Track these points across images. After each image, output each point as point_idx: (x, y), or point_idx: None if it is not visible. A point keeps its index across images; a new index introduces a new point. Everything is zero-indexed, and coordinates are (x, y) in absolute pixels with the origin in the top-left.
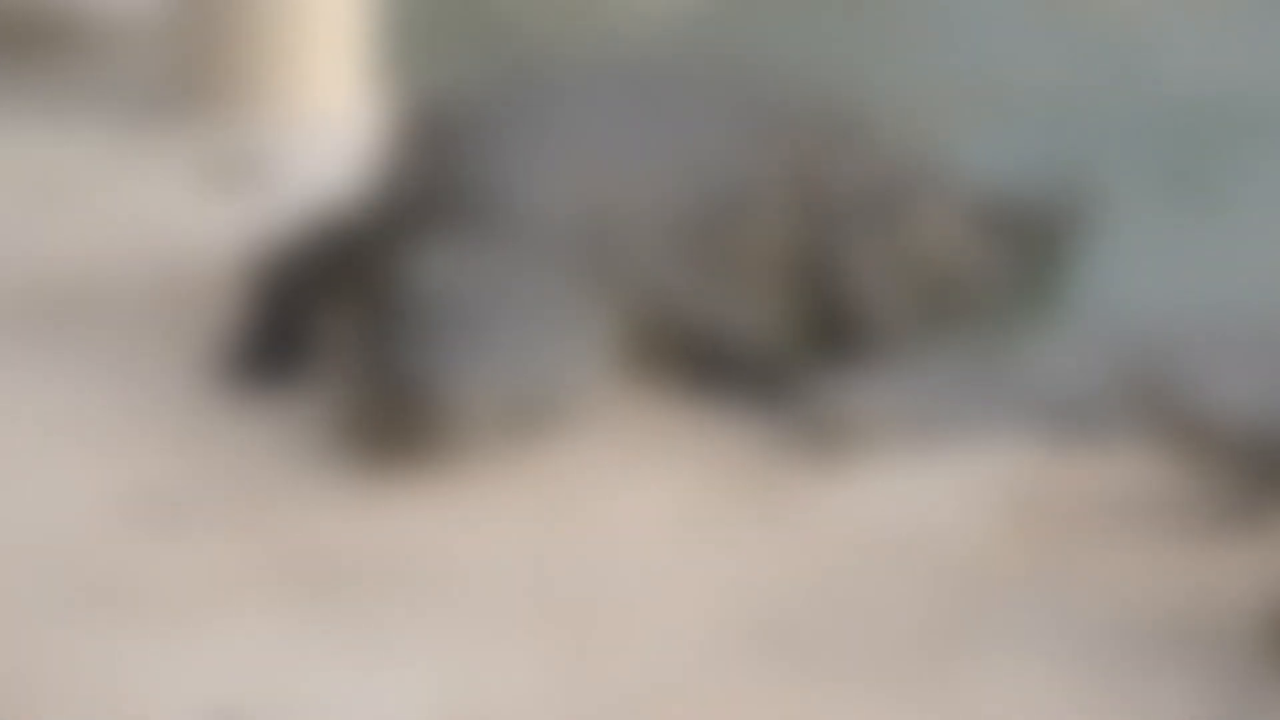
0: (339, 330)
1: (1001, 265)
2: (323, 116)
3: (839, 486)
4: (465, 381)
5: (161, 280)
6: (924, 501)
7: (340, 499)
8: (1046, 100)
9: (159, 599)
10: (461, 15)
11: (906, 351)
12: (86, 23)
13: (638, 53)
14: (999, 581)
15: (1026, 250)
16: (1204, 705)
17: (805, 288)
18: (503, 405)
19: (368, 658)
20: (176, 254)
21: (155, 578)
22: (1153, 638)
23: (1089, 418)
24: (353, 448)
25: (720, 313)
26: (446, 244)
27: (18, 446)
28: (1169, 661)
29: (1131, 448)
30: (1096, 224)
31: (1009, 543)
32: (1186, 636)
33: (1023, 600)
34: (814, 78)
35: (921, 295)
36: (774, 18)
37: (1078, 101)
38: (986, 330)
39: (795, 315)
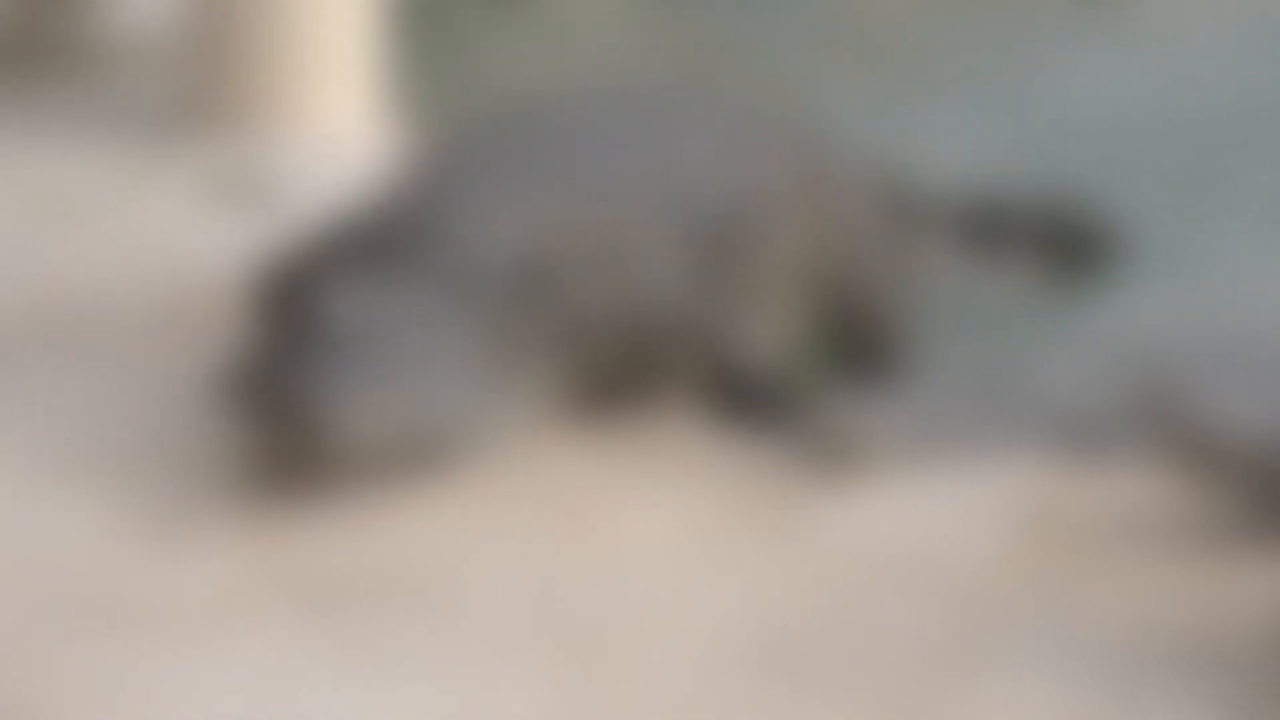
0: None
1: (1004, 278)
2: (329, 137)
3: (846, 504)
4: (351, 408)
5: (167, 299)
6: (931, 519)
7: (344, 517)
8: (1060, 114)
9: (162, 619)
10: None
11: (916, 368)
12: (95, 43)
13: (626, 81)
14: (1006, 600)
15: (1034, 263)
16: None
17: (823, 309)
18: (391, 435)
19: (372, 677)
20: (182, 273)
21: (159, 597)
22: (1161, 657)
23: (1097, 436)
24: (249, 470)
25: (730, 334)
26: (377, 275)
27: (21, 464)
28: (1177, 681)
29: (1139, 466)
30: (1109, 240)
31: (1016, 561)
32: (1195, 655)
33: (1031, 619)
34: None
35: (927, 311)
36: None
37: (1093, 115)
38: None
39: (813, 337)
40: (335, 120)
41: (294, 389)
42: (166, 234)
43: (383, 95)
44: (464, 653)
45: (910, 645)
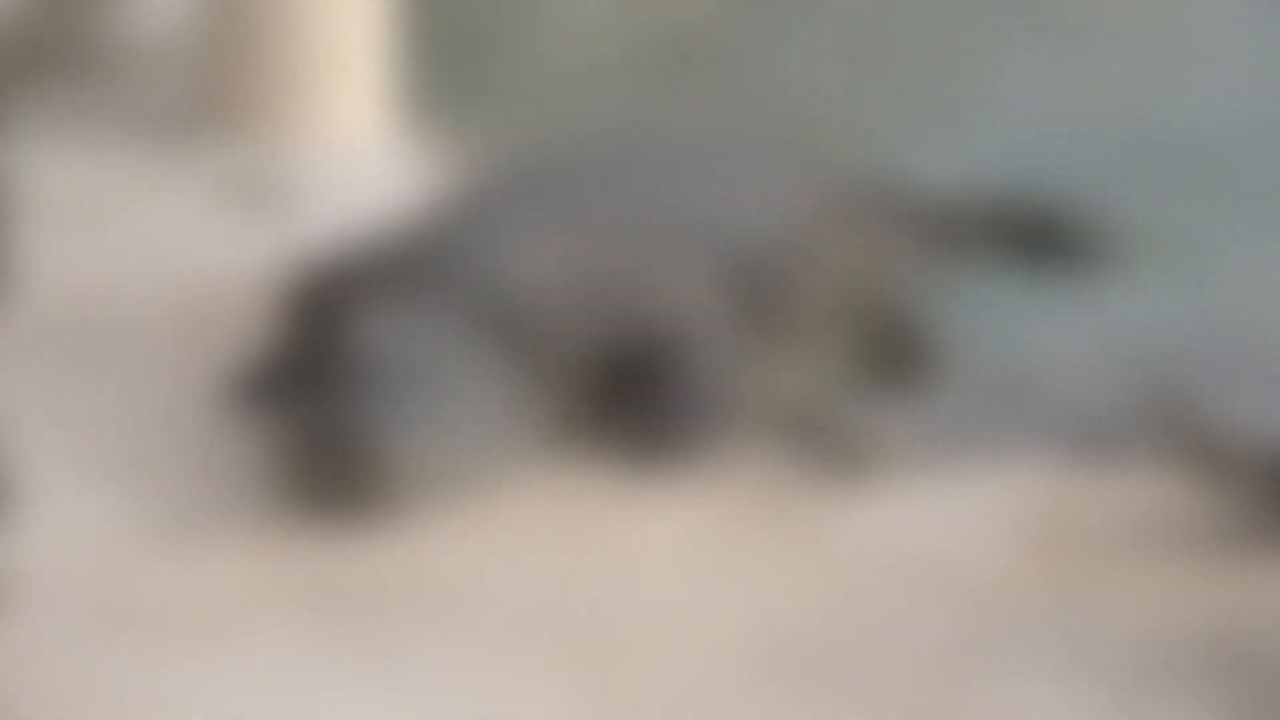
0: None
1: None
2: (344, 141)
3: (857, 509)
4: (401, 443)
5: (182, 303)
6: (942, 523)
7: (357, 524)
8: (1068, 117)
9: (178, 622)
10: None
11: (937, 375)
12: (112, 46)
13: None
14: (1018, 604)
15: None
16: None
17: (854, 326)
18: (434, 466)
19: (386, 682)
20: (196, 277)
21: (173, 601)
22: (1172, 660)
23: (1108, 440)
24: (294, 495)
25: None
26: (410, 306)
27: (39, 467)
28: (1188, 684)
29: (1151, 469)
30: (1113, 242)
31: (1027, 565)
32: (1206, 659)
33: (1042, 623)
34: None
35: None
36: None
37: (1101, 121)
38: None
39: (843, 349)
40: (349, 124)
41: (343, 422)
42: (181, 237)
43: (397, 99)
44: (477, 658)
45: (921, 649)
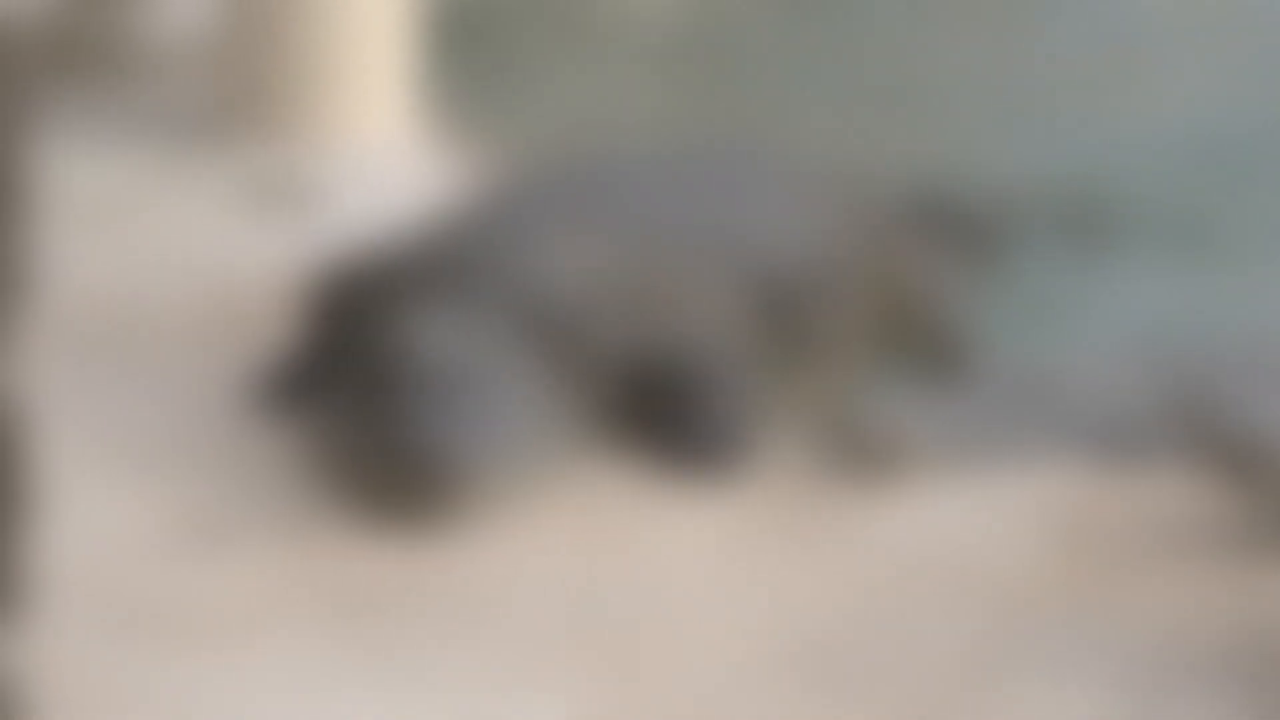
0: (348, 374)
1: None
2: (368, 142)
3: (882, 510)
4: (462, 447)
5: (206, 303)
6: (967, 525)
7: (380, 525)
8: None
9: (201, 622)
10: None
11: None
12: (136, 48)
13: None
14: (1043, 605)
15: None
16: None
17: (890, 330)
18: (494, 469)
19: (408, 685)
20: (221, 277)
21: (197, 601)
22: (1197, 663)
23: (1134, 441)
24: (360, 503)
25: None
26: (452, 309)
27: (64, 468)
28: (1213, 686)
29: (1177, 472)
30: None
31: (1053, 567)
32: (1231, 661)
33: (1067, 624)
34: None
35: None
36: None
37: (1119, 122)
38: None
39: (878, 356)
40: (373, 125)
41: (404, 429)
42: (206, 237)
43: (421, 100)
44: (502, 661)
45: (947, 651)
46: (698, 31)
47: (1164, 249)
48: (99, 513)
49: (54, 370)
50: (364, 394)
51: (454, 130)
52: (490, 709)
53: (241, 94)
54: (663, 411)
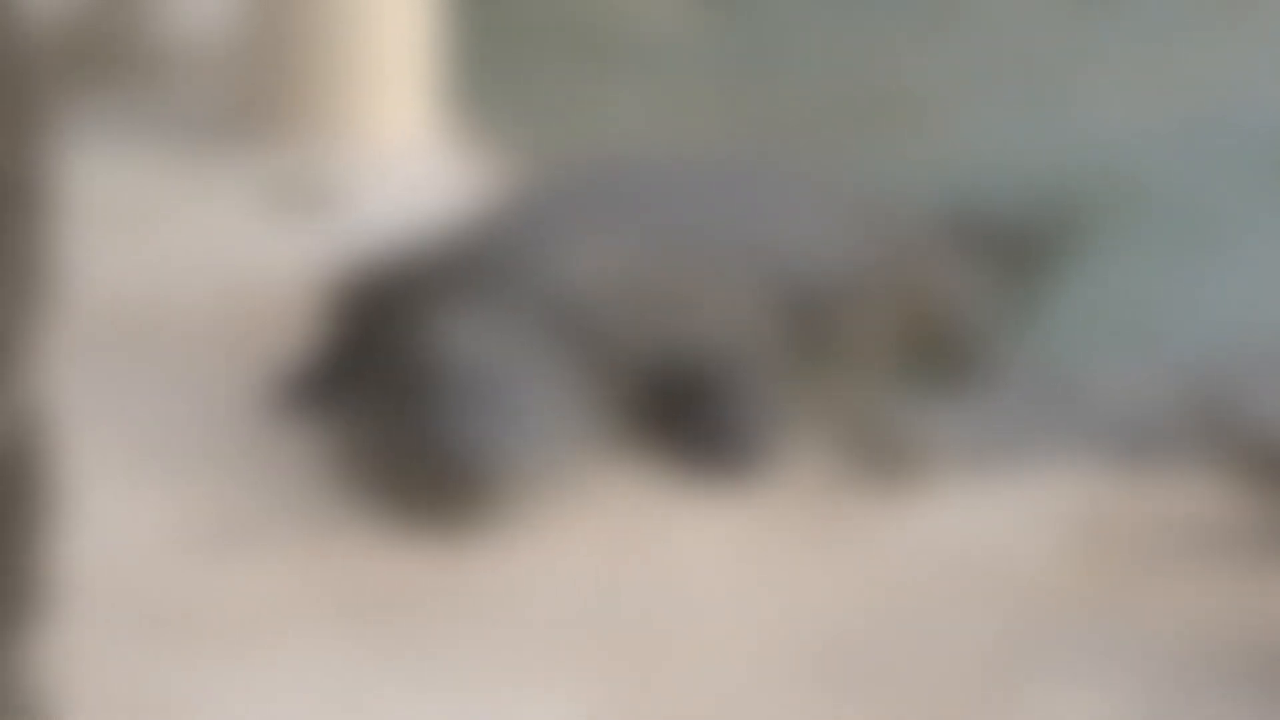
0: (375, 376)
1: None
2: (390, 144)
3: (903, 514)
4: (500, 450)
5: (228, 306)
6: (986, 527)
7: (407, 527)
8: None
9: (220, 625)
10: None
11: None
12: (158, 49)
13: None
14: (1062, 608)
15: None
16: None
17: (911, 335)
18: (529, 471)
19: (428, 687)
20: (243, 280)
21: (219, 605)
22: (1217, 666)
23: (1154, 444)
24: (388, 506)
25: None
26: (479, 310)
27: (87, 472)
28: (1233, 690)
29: (1197, 473)
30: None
31: (1072, 570)
32: (1251, 665)
33: (1086, 628)
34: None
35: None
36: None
37: (1144, 119)
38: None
39: (899, 361)
40: (395, 127)
41: (440, 432)
42: (227, 240)
43: (443, 102)
44: (520, 664)
45: (967, 654)
46: (721, 40)
47: (1183, 248)
48: (123, 516)
49: (77, 373)
50: (389, 397)
51: (476, 133)
52: (509, 711)
53: (263, 96)
54: (685, 414)
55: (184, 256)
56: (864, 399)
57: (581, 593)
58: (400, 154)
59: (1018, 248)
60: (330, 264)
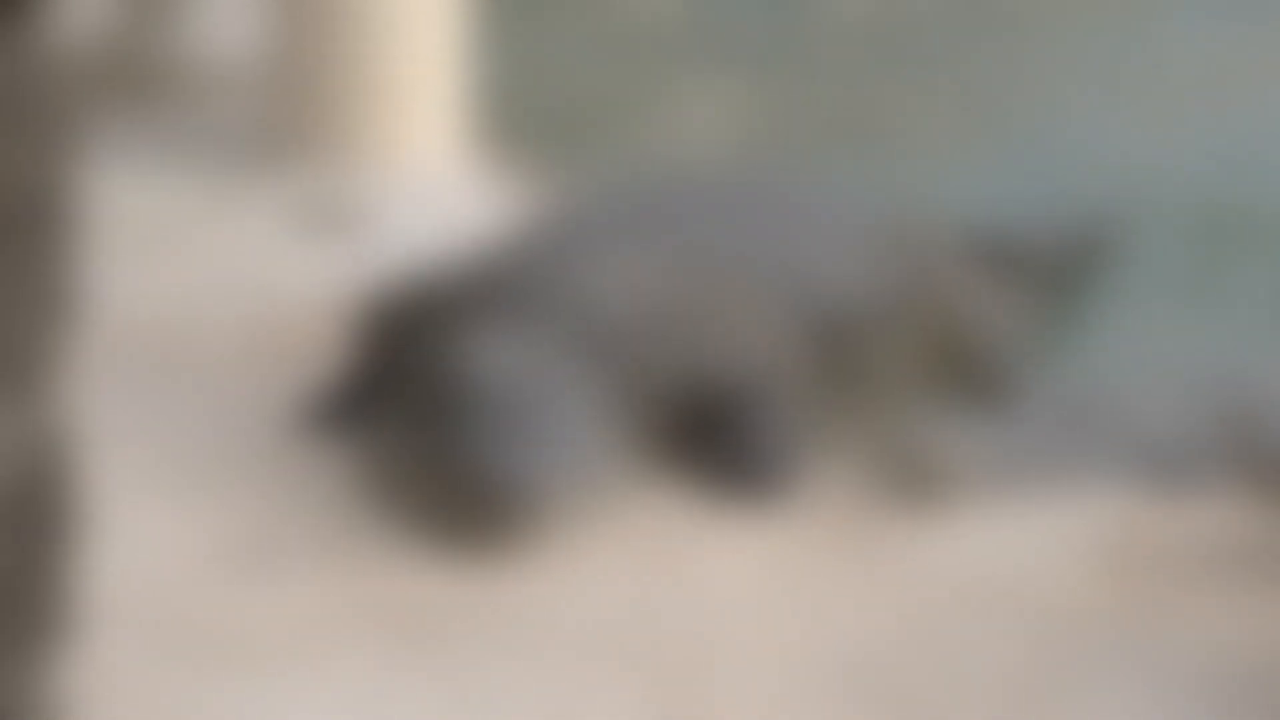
0: (405, 397)
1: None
2: (417, 166)
3: (931, 534)
4: (535, 472)
5: (256, 326)
6: (1015, 548)
7: (439, 548)
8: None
9: (251, 645)
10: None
11: (1011, 399)
12: (186, 71)
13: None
14: (1090, 629)
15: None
16: None
17: (939, 358)
18: (563, 493)
19: (460, 707)
20: (270, 301)
21: (248, 624)
22: (1245, 686)
23: (1181, 466)
24: (419, 527)
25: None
26: (509, 331)
27: (115, 491)
28: (1262, 710)
29: (1225, 495)
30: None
31: (1101, 590)
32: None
33: (1114, 648)
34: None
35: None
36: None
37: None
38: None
39: (927, 382)
40: (422, 149)
41: (477, 454)
42: (255, 261)
43: (470, 124)
44: (553, 683)
45: (993, 673)
46: (758, 63)
47: (1206, 274)
48: (154, 536)
49: (106, 393)
50: (419, 418)
51: (502, 155)
52: None
53: (292, 117)
54: (714, 435)
55: (214, 277)
56: (892, 420)
57: (612, 612)
58: (429, 175)
59: (1045, 269)
60: (359, 285)
